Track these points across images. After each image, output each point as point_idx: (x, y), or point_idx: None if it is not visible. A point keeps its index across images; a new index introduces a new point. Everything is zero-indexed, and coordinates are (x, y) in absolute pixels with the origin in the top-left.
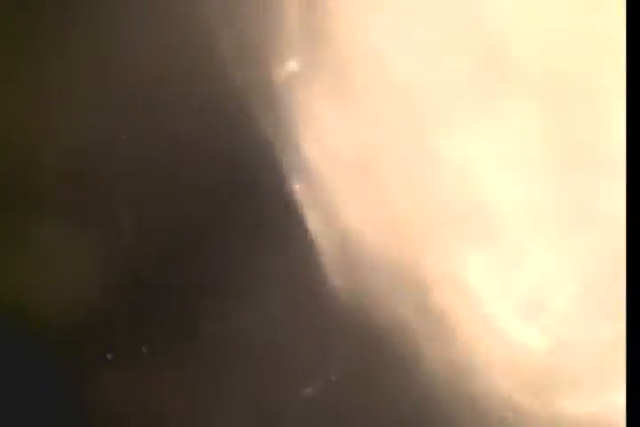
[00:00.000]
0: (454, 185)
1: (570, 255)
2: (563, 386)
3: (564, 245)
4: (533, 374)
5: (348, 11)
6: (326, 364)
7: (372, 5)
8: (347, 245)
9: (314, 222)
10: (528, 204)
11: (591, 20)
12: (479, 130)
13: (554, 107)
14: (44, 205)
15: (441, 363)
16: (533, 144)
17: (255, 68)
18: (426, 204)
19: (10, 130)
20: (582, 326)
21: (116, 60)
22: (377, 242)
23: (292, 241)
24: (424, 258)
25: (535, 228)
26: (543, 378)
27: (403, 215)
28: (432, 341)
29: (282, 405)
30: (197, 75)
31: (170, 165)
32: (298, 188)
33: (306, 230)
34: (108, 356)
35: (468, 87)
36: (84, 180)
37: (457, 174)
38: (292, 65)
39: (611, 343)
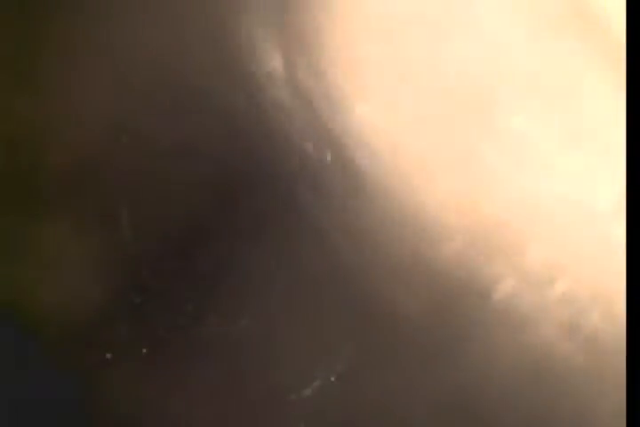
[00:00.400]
0: None
1: None
2: None
3: None
4: None
5: None
6: (326, 364)
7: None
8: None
9: (321, 222)
10: None
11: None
12: None
13: None
14: (44, 204)
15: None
16: None
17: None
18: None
19: (10, 130)
20: None
21: (119, 59)
22: (391, 239)
23: (296, 242)
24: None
25: None
26: None
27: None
28: (436, 340)
29: (282, 405)
30: (200, 73)
31: (170, 164)
32: (303, 186)
33: (312, 230)
34: (108, 356)
35: None
36: (85, 179)
37: None
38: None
39: None
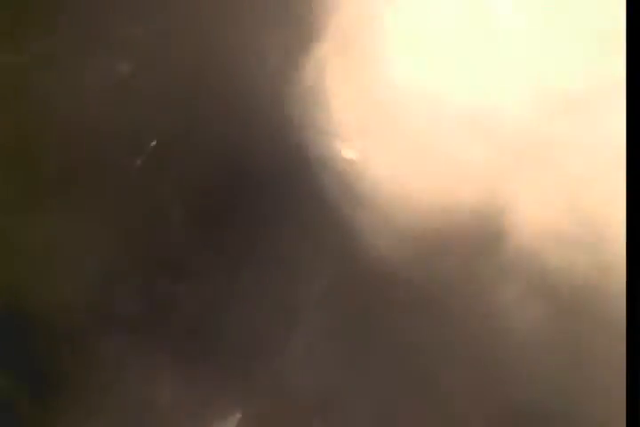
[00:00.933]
0: None
1: None
2: None
3: None
4: None
5: None
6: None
7: None
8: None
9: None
10: None
11: None
12: None
13: None
14: (44, 204)
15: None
16: None
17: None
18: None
19: (13, 130)
20: None
21: (132, 59)
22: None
23: (313, 233)
24: None
25: None
26: None
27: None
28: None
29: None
30: (220, 74)
31: (172, 163)
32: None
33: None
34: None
35: None
36: (85, 179)
37: None
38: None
39: None
